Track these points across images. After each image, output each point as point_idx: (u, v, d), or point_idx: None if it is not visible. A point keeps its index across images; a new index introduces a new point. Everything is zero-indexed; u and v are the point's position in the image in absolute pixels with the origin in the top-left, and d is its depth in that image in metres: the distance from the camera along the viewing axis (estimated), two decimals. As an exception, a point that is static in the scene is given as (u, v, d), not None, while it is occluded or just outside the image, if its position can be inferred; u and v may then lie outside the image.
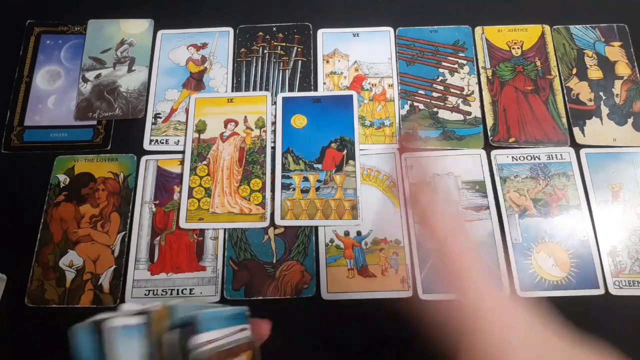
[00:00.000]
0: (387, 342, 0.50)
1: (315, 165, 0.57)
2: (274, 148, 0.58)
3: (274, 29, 0.65)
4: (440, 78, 0.62)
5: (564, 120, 0.59)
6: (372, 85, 0.62)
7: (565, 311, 0.50)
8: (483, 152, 0.58)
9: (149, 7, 0.67)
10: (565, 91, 0.61)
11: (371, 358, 0.50)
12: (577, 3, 0.66)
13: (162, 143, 0.59)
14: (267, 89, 0.62)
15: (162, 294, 0.52)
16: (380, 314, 0.51)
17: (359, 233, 0.54)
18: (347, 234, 0.54)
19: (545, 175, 0.56)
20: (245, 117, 0.60)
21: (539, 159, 0.57)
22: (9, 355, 0.50)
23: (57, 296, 0.52)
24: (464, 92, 0.61)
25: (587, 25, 0.64)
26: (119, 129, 0.60)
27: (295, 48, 0.64)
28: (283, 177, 0.56)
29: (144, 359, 0.30)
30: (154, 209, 0.56)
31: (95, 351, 0.31)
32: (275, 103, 0.60)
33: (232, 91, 0.62)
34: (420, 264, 0.52)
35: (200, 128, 0.59)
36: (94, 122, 0.60)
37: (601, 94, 0.60)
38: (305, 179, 0.56)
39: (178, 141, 0.59)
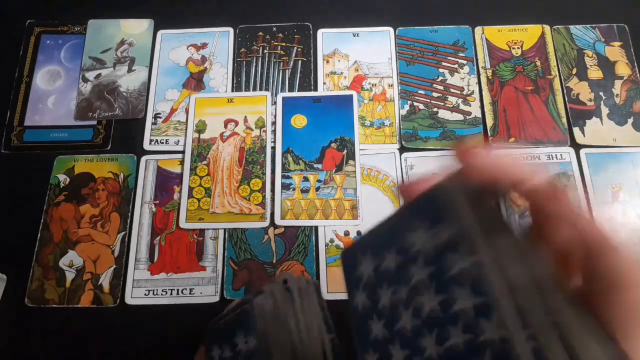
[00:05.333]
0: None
1: (315, 165, 0.57)
2: (274, 148, 0.58)
3: (274, 29, 0.65)
4: (440, 78, 0.62)
5: (564, 120, 0.59)
6: (372, 85, 0.62)
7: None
8: (483, 152, 0.58)
9: (149, 7, 0.67)
10: (565, 91, 0.61)
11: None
12: (577, 3, 0.66)
13: (162, 143, 0.59)
14: (267, 89, 0.62)
15: (162, 294, 0.52)
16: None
17: (359, 233, 0.54)
18: (347, 233, 0.54)
19: (545, 175, 0.56)
20: (245, 117, 0.60)
21: (539, 159, 0.57)
22: (9, 355, 0.50)
23: (57, 296, 0.52)
24: (464, 92, 0.61)
25: (587, 25, 0.64)
26: (119, 129, 0.60)
27: (295, 48, 0.64)
28: (283, 177, 0.56)
29: None
30: (154, 209, 0.56)
31: None
32: (275, 103, 0.60)
33: (232, 91, 0.62)
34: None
35: (200, 128, 0.59)
36: (94, 122, 0.60)
37: (601, 94, 0.60)
38: (305, 179, 0.56)
39: (178, 141, 0.59)
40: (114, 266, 0.53)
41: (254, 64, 0.63)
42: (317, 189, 0.56)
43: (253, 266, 0.53)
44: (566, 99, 0.60)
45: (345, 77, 0.62)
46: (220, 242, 0.54)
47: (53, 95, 0.62)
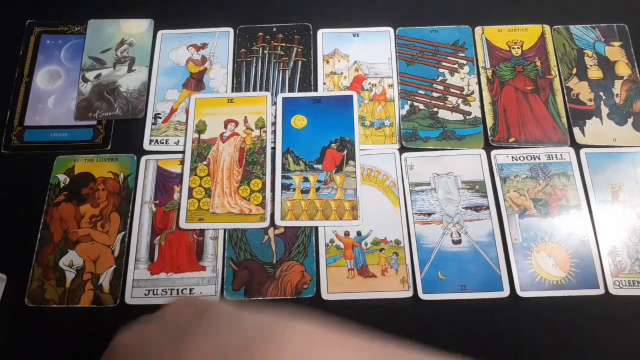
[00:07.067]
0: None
1: (315, 166, 0.57)
2: (274, 148, 0.58)
3: (274, 29, 0.65)
4: (440, 78, 0.62)
5: (564, 120, 0.59)
6: (372, 85, 0.62)
7: (565, 311, 0.51)
8: (483, 152, 0.58)
9: (149, 7, 0.67)
10: (565, 91, 0.61)
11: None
12: (577, 3, 0.66)
13: (162, 143, 0.59)
14: (267, 90, 0.62)
15: (162, 294, 0.52)
16: (380, 314, 0.51)
17: (359, 233, 0.54)
18: (347, 234, 0.54)
19: (545, 175, 0.56)
20: (246, 117, 0.60)
21: (539, 159, 0.57)
22: (9, 355, 0.50)
23: (57, 296, 0.52)
24: (464, 92, 0.61)
25: (587, 25, 0.64)
26: (119, 129, 0.60)
27: (296, 48, 0.64)
28: (283, 177, 0.56)
29: None
30: (154, 209, 0.56)
31: None
32: (275, 103, 0.60)
33: (232, 91, 0.62)
34: (420, 264, 0.52)
35: (200, 128, 0.59)
36: (94, 122, 0.60)
37: (601, 94, 0.60)
38: (306, 180, 0.56)
39: (178, 141, 0.59)
40: (114, 266, 0.53)
41: (254, 64, 0.63)
42: (317, 189, 0.56)
43: (253, 266, 0.53)
44: (566, 98, 0.60)
45: (345, 77, 0.62)
46: (220, 242, 0.54)
47: (53, 95, 0.62)
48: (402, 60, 0.63)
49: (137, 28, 0.66)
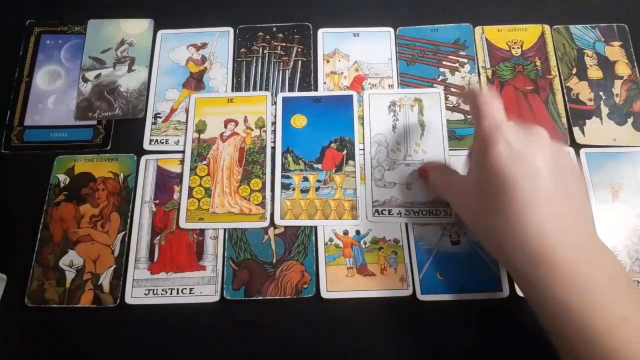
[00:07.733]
0: (386, 341, 0.50)
1: (315, 165, 0.57)
2: (274, 148, 0.58)
3: (274, 29, 0.65)
4: (441, 77, 0.62)
5: (564, 120, 0.59)
6: (372, 85, 0.62)
7: (565, 311, 0.51)
8: (483, 152, 0.58)
9: (149, 7, 0.67)
10: (565, 91, 0.61)
11: (371, 357, 0.50)
12: (577, 3, 0.66)
13: (162, 143, 0.59)
14: (267, 89, 0.62)
15: (162, 294, 0.52)
16: (380, 312, 0.51)
17: (358, 232, 0.54)
18: (346, 233, 0.54)
19: (545, 175, 0.56)
20: (245, 117, 0.60)
21: (539, 158, 0.57)
22: (9, 355, 0.50)
23: (57, 296, 0.52)
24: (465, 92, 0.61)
25: (587, 25, 0.64)
26: (119, 129, 0.60)
27: (296, 48, 0.64)
28: (283, 177, 0.56)
29: None
30: (154, 209, 0.56)
31: None
32: (275, 103, 0.61)
33: (232, 91, 0.62)
34: (419, 265, 0.52)
35: (200, 128, 0.59)
36: (94, 122, 0.60)
37: (601, 93, 0.60)
38: (305, 179, 0.56)
39: (178, 141, 0.59)
40: (114, 266, 0.53)
41: (254, 64, 0.63)
42: (317, 189, 0.56)
43: (253, 266, 0.53)
44: (566, 98, 0.60)
45: (345, 77, 0.62)
46: (220, 242, 0.54)
47: (53, 95, 0.62)
48: (403, 60, 0.63)
49: (137, 28, 0.66)
